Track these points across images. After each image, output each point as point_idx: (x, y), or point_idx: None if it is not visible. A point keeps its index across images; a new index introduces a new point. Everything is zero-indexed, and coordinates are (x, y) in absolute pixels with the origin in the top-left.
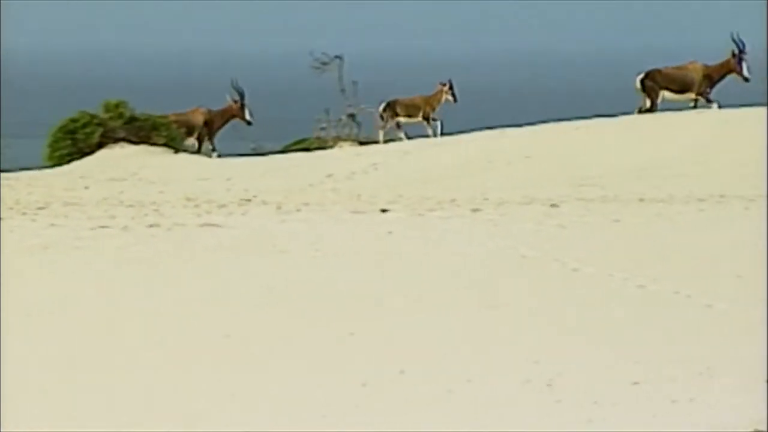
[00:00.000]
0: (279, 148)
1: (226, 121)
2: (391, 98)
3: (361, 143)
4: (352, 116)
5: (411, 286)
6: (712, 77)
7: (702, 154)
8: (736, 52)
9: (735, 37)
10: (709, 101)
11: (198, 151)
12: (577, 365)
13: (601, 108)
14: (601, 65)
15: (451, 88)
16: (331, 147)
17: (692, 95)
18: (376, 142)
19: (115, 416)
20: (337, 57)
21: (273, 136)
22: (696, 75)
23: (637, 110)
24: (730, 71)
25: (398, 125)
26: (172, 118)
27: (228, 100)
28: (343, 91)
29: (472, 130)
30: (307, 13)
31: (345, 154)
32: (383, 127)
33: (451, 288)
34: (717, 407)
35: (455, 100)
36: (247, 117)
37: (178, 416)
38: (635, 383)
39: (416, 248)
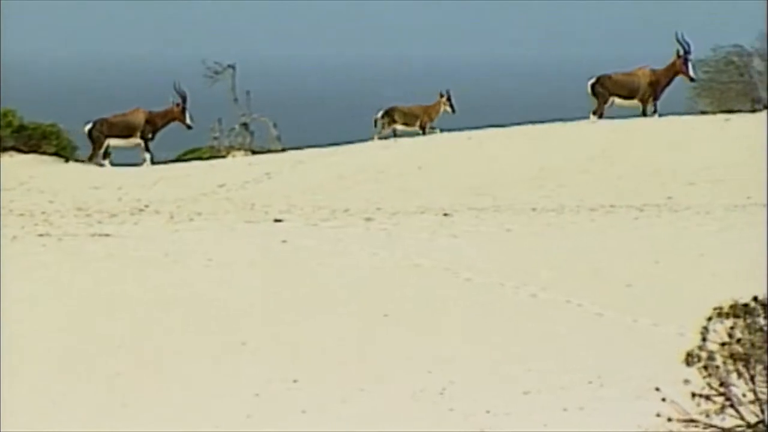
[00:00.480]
0: (172, 158)
1: (167, 124)
2: (389, 105)
3: (254, 152)
4: (245, 125)
5: (304, 295)
6: (660, 82)
7: (592, 165)
8: (681, 53)
9: (680, 37)
10: (654, 109)
11: (147, 150)
12: (470, 374)
13: (493, 118)
14: (494, 73)
15: (449, 99)
16: (224, 156)
17: (637, 102)
18: (270, 151)
19: None
20: (229, 66)
21: (166, 145)
22: (643, 80)
23: (591, 113)
24: (677, 73)
25: (395, 133)
26: (113, 119)
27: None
28: (236, 100)
29: (365, 140)
30: (200, 21)
31: (238, 163)
32: (380, 134)
33: (344, 297)
34: (607, 415)
35: (453, 111)
36: (188, 121)
37: (67, 427)
38: (527, 392)
39: (310, 258)
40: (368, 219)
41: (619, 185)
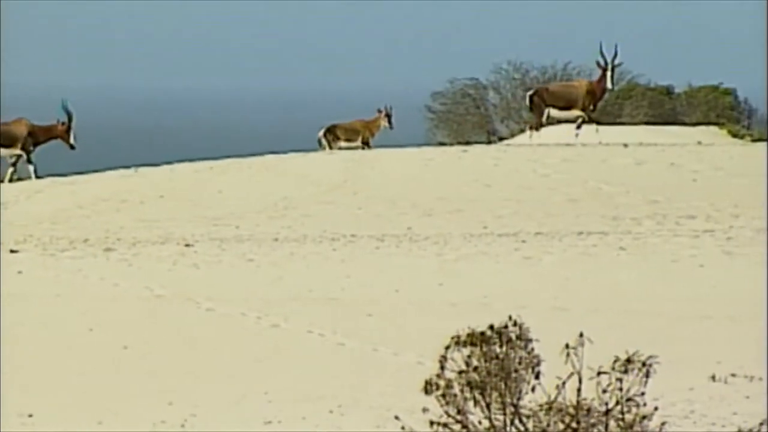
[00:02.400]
0: None
1: (48, 140)
2: (330, 123)
3: None
4: None
5: (40, 327)
6: (596, 94)
7: (334, 195)
8: (602, 63)
9: (602, 49)
10: (590, 119)
11: (29, 161)
12: (211, 405)
13: (234, 148)
14: (234, 104)
15: (387, 115)
16: None
17: (576, 112)
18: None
19: None
20: None
21: None
22: (580, 92)
23: (528, 127)
24: (603, 80)
25: (339, 149)
26: None
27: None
28: None
29: (106, 168)
30: None
31: None
32: (325, 150)
33: (83, 329)
34: None
35: (391, 127)
36: (71, 141)
37: None
38: (268, 422)
39: (47, 289)
40: (108, 249)
41: (360, 215)
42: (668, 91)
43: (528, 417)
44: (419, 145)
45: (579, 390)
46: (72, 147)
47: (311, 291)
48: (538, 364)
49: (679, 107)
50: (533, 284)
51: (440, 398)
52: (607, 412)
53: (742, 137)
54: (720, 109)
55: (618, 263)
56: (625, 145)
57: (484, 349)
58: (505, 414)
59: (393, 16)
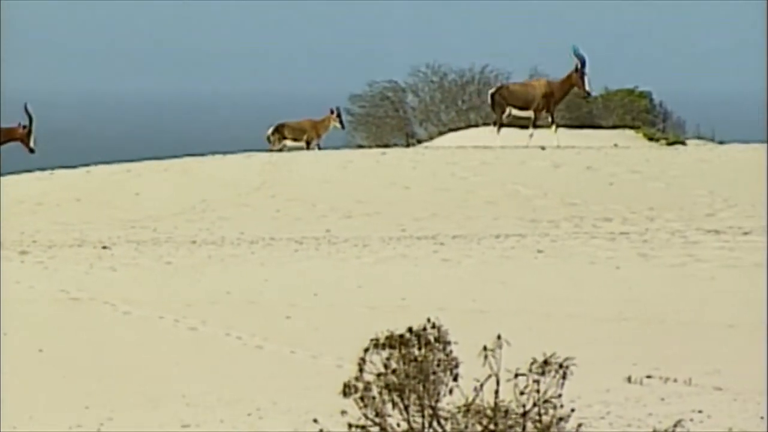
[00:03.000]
0: None
1: (7, 141)
2: (279, 122)
3: None
4: None
5: None
6: (555, 94)
7: (252, 198)
8: (579, 67)
9: (577, 51)
10: (552, 120)
11: None
12: (128, 409)
13: (151, 150)
14: (150, 107)
15: (338, 115)
16: None
17: (532, 111)
18: None
19: None
20: None
21: None
22: (538, 91)
23: (492, 123)
24: (573, 86)
25: (282, 148)
26: None
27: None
28: None
29: (22, 171)
30: None
31: None
32: (271, 150)
33: None
34: None
35: (342, 127)
36: (32, 144)
37: None
38: (186, 426)
39: None
40: (23, 252)
41: (279, 218)
42: (585, 95)
43: (446, 419)
44: (338, 147)
45: (497, 392)
46: (32, 151)
47: (229, 294)
48: (456, 366)
49: (596, 110)
50: (452, 286)
51: (359, 401)
52: (525, 413)
53: (657, 140)
54: (636, 112)
55: (535, 265)
56: (543, 148)
57: (403, 351)
58: (423, 416)
59: (311, 18)
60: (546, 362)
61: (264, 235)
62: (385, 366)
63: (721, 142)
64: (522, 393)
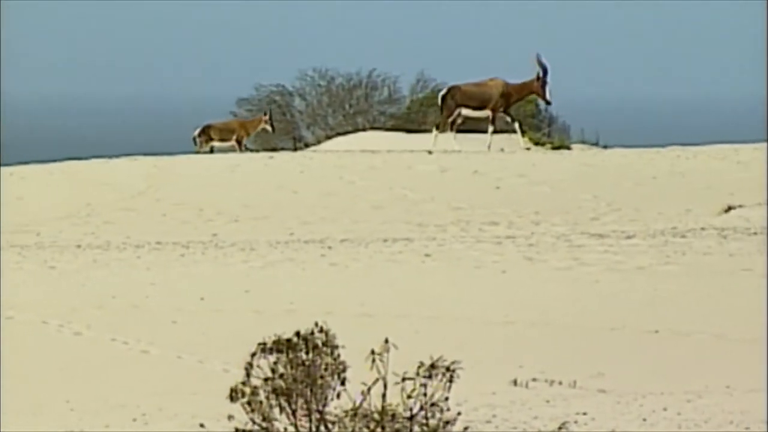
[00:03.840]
0: None
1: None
2: (205, 123)
3: None
4: None
5: None
6: (511, 95)
7: (138, 202)
8: (541, 75)
9: (540, 59)
10: (512, 119)
11: None
12: (11, 414)
13: (35, 154)
14: (39, 110)
15: (270, 117)
16: None
17: (488, 112)
18: None
19: None
20: None
21: None
22: (495, 91)
23: (434, 126)
24: (532, 92)
25: (212, 150)
26: None
27: None
28: None
29: None
30: None
31: None
32: (199, 152)
33: None
34: None
35: (273, 129)
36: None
37: None
38: (70, 431)
39: None
40: None
41: (165, 222)
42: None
43: (333, 423)
44: (225, 151)
45: (384, 395)
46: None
47: (115, 298)
48: (344, 370)
49: None
50: (339, 291)
51: (246, 405)
52: (412, 417)
53: (543, 145)
54: (522, 117)
55: (423, 269)
56: (430, 153)
57: (290, 355)
58: (310, 420)
59: (200, 21)
60: (433, 366)
61: (150, 239)
62: (273, 370)
63: (605, 147)
64: (409, 396)
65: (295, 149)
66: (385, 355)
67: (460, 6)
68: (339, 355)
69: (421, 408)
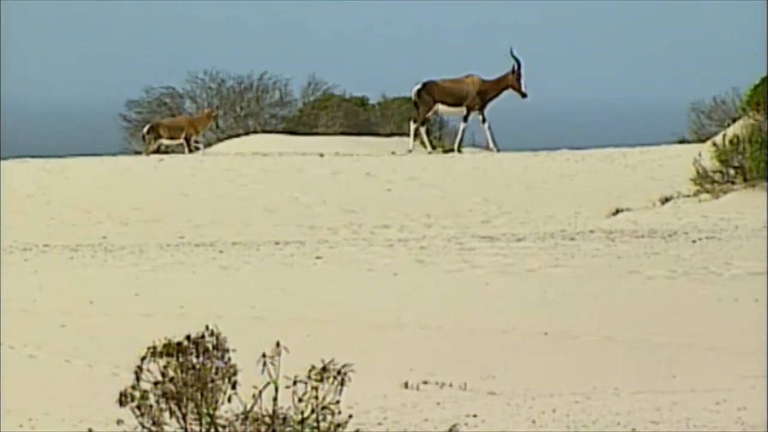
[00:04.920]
0: None
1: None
2: (154, 121)
3: None
4: None
5: None
6: (488, 92)
7: (27, 204)
8: (516, 68)
9: (513, 53)
10: (483, 119)
11: None
12: None
13: None
14: None
15: (215, 114)
16: None
17: (463, 110)
18: None
19: None
20: None
21: None
22: (472, 88)
23: (411, 121)
24: (508, 87)
25: (158, 148)
26: None
27: None
28: None
29: None
30: None
31: None
32: (147, 150)
33: None
34: None
35: (217, 125)
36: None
37: None
38: None
39: None
40: None
41: (54, 225)
42: (363, 102)
43: (224, 427)
44: (115, 154)
45: (275, 399)
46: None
47: (1, 302)
48: (234, 373)
49: (374, 118)
50: (231, 294)
51: (135, 409)
52: (303, 420)
53: (434, 148)
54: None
55: (315, 272)
56: (321, 155)
57: (181, 359)
58: (201, 424)
59: (89, 22)
60: (324, 369)
61: (38, 242)
62: (163, 374)
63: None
64: (300, 400)
65: (188, 152)
66: (277, 358)
67: (352, 8)
68: (230, 359)
69: (313, 411)
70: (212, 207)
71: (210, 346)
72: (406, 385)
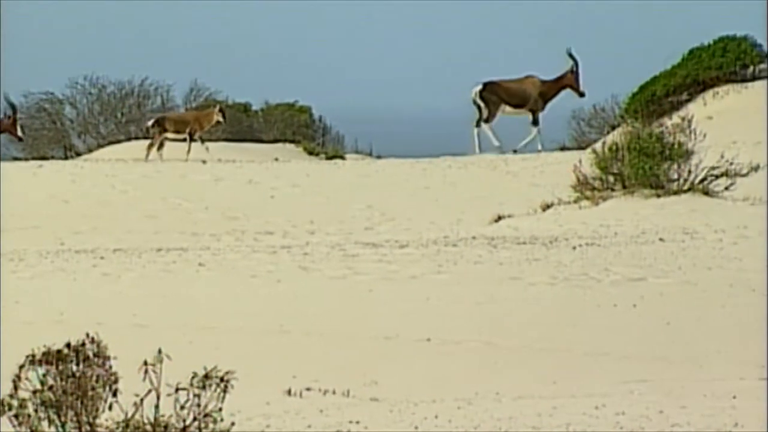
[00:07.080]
0: None
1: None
2: (159, 115)
3: None
4: None
5: None
6: (548, 93)
7: None
8: (574, 68)
9: (571, 52)
10: (536, 121)
11: None
12: None
13: None
14: None
15: (221, 109)
16: None
17: (526, 110)
18: None
19: None
20: None
21: None
22: (533, 90)
23: (475, 123)
24: (565, 87)
25: (162, 142)
26: None
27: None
28: None
29: None
30: None
31: None
32: (152, 145)
33: None
34: None
35: (225, 121)
36: (19, 133)
37: None
38: None
39: None
40: None
41: None
42: (245, 108)
43: None
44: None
45: (157, 407)
46: (20, 139)
47: None
48: (115, 381)
49: (256, 124)
50: (112, 301)
51: (13, 419)
52: (185, 428)
53: (317, 154)
54: (296, 126)
55: (197, 279)
56: (204, 162)
57: (60, 367)
58: None
59: None
60: (207, 376)
61: None
62: (42, 382)
63: (378, 157)
64: (182, 407)
65: (66, 158)
66: (159, 365)
67: (235, 12)
68: (111, 366)
69: (195, 419)
70: (93, 213)
71: (90, 353)
72: (289, 392)
